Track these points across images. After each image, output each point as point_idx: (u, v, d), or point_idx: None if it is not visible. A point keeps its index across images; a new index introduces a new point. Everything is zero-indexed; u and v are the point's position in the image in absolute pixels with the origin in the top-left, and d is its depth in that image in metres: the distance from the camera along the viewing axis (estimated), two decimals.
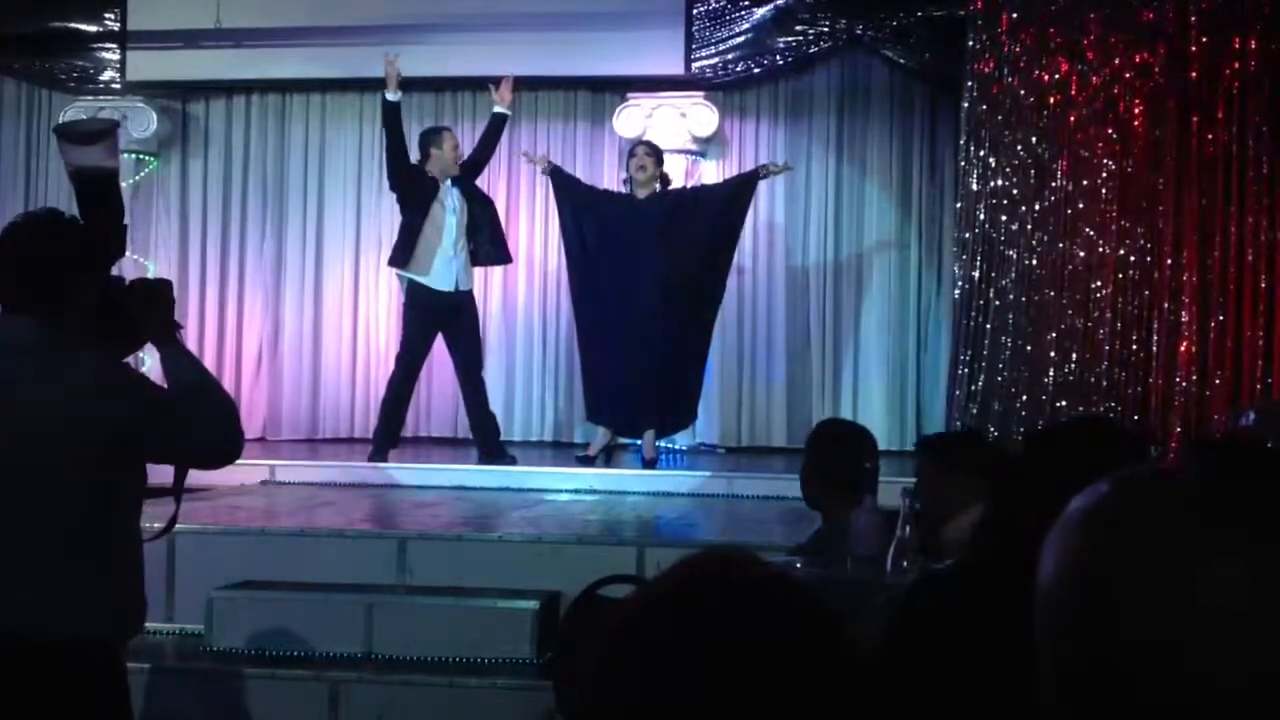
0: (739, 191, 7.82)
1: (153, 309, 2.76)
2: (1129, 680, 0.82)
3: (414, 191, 7.51)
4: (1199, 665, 0.80)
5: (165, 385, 2.76)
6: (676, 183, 8.35)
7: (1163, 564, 0.82)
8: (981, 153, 7.42)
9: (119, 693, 2.68)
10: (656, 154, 7.68)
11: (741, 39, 8.70)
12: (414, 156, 7.59)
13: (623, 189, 7.80)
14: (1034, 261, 7.33)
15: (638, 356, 7.47)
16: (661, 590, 0.91)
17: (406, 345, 7.62)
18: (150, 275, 7.36)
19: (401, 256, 7.50)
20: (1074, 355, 7.27)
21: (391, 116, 7.51)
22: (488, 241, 7.63)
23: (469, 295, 7.65)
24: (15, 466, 2.53)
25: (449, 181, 7.54)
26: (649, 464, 7.54)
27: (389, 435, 7.59)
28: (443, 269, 7.45)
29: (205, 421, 2.70)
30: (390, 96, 7.49)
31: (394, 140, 7.52)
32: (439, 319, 7.50)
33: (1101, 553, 0.85)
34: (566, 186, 7.84)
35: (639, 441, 7.75)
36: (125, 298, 2.75)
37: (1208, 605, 0.80)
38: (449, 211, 7.51)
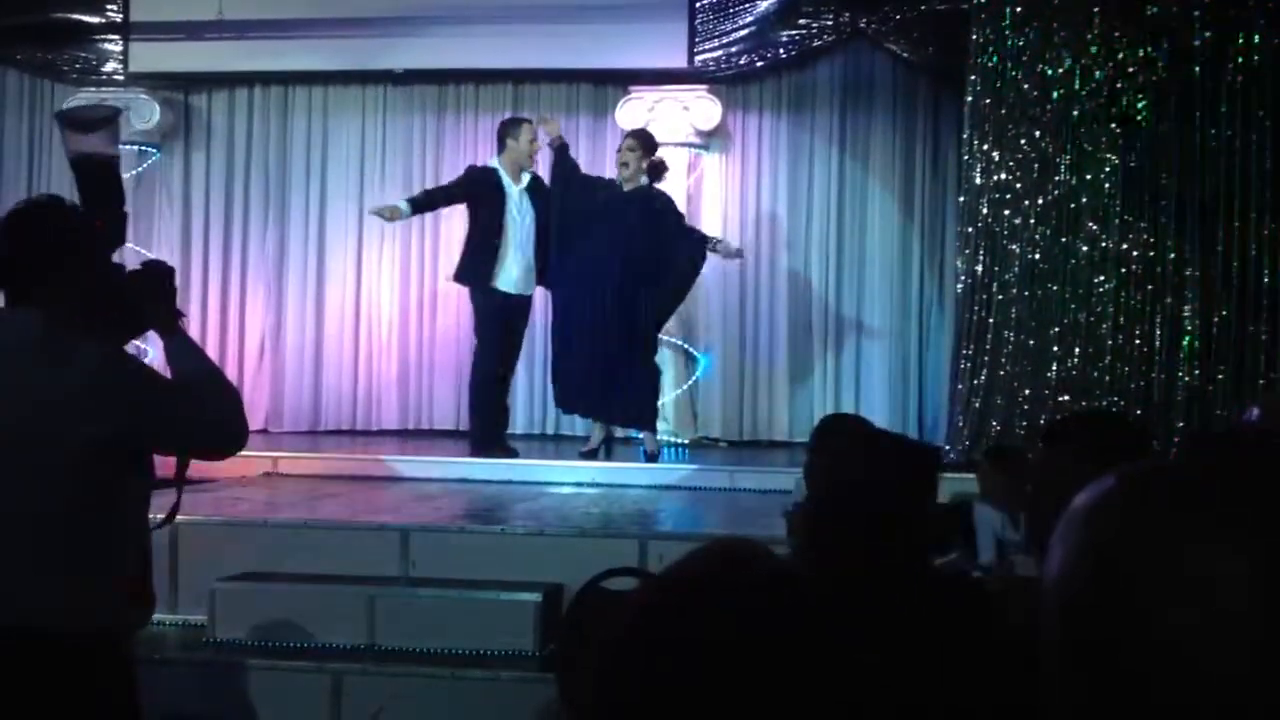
0: (689, 250, 7.60)
1: (155, 295, 2.75)
2: (1133, 679, 0.82)
3: (482, 200, 7.49)
4: (1201, 664, 0.80)
5: (169, 374, 2.76)
6: (678, 175, 8.34)
7: (1166, 561, 0.82)
8: (984, 147, 7.41)
9: (127, 684, 2.68)
10: (642, 145, 7.56)
11: (744, 32, 8.69)
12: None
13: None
14: (1037, 256, 7.33)
15: (595, 342, 7.47)
16: (671, 583, 0.92)
17: (486, 350, 7.54)
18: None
19: (471, 272, 7.47)
20: (1076, 350, 7.26)
21: (420, 209, 7.72)
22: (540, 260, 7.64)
23: (529, 300, 7.68)
24: (19, 459, 2.53)
25: (523, 180, 7.54)
26: (651, 457, 7.54)
27: (489, 429, 7.58)
28: (512, 270, 7.47)
29: (210, 411, 2.70)
30: (408, 210, 7.59)
31: (447, 202, 7.77)
32: (507, 317, 7.53)
33: (1106, 549, 0.85)
34: (563, 166, 7.72)
35: (639, 435, 7.76)
36: (127, 284, 2.74)
37: (1209, 601, 0.80)
38: (519, 212, 7.52)
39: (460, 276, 7.67)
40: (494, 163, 7.62)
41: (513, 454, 7.56)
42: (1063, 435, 2.63)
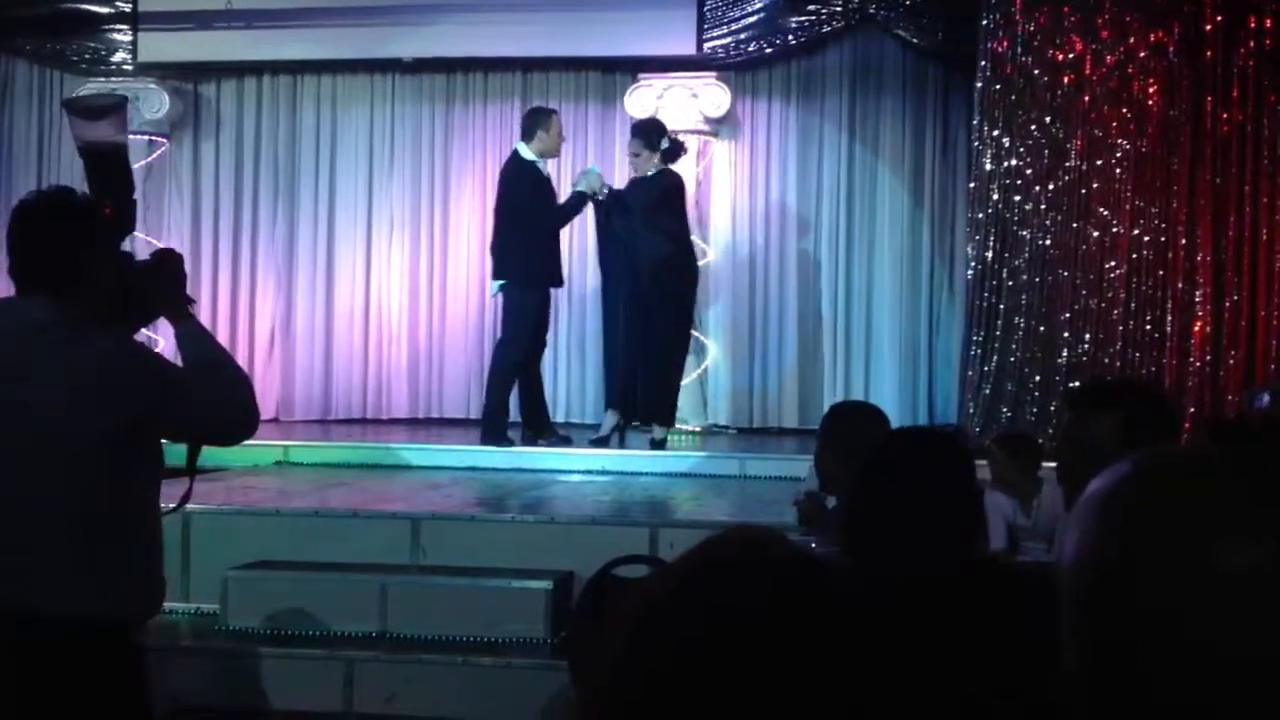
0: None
1: (163, 283, 2.75)
2: (1144, 669, 0.81)
3: (533, 196, 7.33)
4: (1209, 655, 0.79)
5: (180, 361, 2.76)
6: (688, 162, 8.31)
7: (1179, 550, 0.82)
8: (995, 132, 7.39)
9: (137, 673, 2.69)
10: (643, 138, 7.47)
11: (753, 18, 8.67)
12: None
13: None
14: (1048, 241, 7.31)
15: (617, 338, 7.46)
16: (686, 569, 0.91)
17: (521, 343, 7.40)
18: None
19: (534, 272, 7.29)
20: (1087, 335, 7.25)
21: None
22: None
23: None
24: (32, 446, 2.53)
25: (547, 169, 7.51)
26: (657, 445, 7.49)
27: (505, 418, 7.54)
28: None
29: (220, 397, 2.69)
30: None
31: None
32: (546, 313, 7.53)
33: (1120, 536, 0.84)
34: (610, 201, 7.58)
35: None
36: (135, 272, 2.75)
37: (1221, 593, 0.80)
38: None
39: (521, 279, 7.33)
40: (528, 154, 7.38)
41: (565, 441, 7.55)
42: (1107, 401, 2.60)
